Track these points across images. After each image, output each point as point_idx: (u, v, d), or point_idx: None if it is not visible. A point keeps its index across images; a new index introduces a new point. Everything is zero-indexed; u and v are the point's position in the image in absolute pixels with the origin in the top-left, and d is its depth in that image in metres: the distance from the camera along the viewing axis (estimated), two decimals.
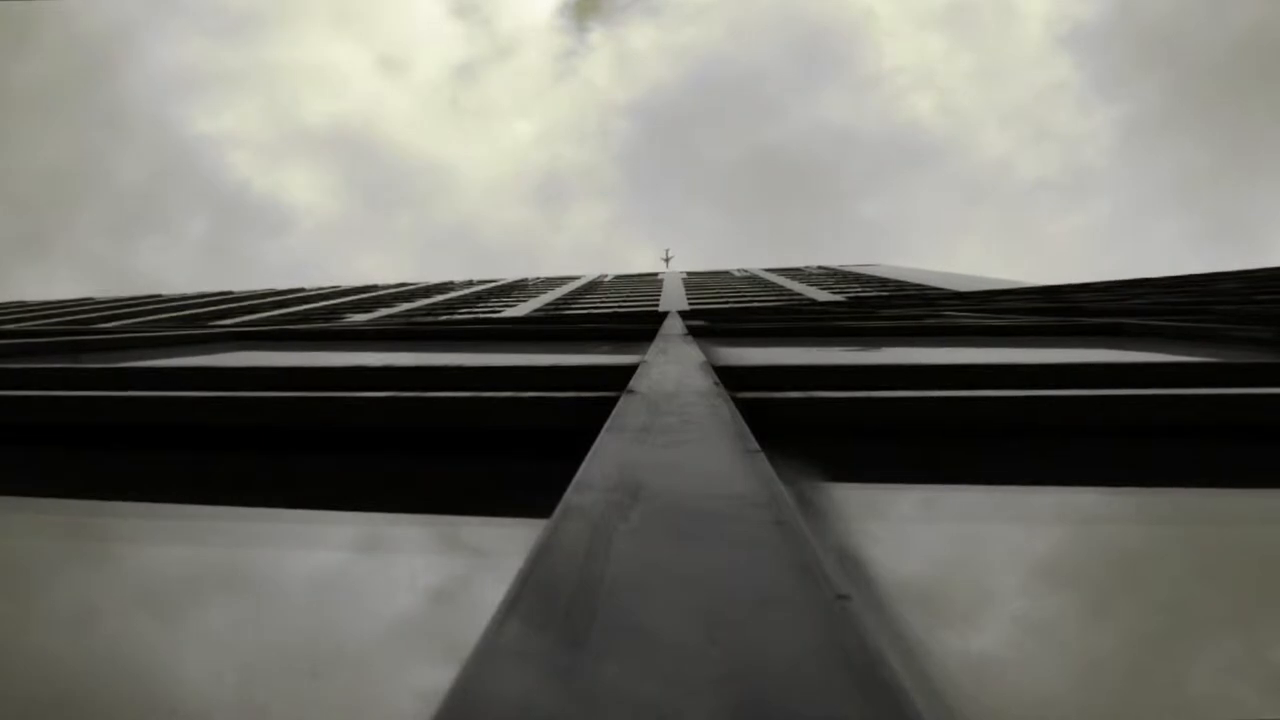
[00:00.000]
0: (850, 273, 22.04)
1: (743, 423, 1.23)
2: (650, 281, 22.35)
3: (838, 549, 1.02)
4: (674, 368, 2.02)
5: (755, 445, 1.06)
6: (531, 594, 0.61)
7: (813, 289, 16.07)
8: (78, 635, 0.97)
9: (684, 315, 5.96)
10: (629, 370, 1.96)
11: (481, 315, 12.17)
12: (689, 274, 26.78)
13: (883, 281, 17.73)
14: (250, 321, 10.41)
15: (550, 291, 18.60)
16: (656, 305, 12.60)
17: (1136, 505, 1.34)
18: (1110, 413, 1.58)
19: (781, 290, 16.11)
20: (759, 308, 8.50)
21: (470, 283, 24.01)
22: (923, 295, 10.94)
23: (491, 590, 0.68)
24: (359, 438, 1.62)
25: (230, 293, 21.82)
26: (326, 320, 10.84)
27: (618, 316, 7.06)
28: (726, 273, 26.38)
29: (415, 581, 1.10)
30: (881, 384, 1.91)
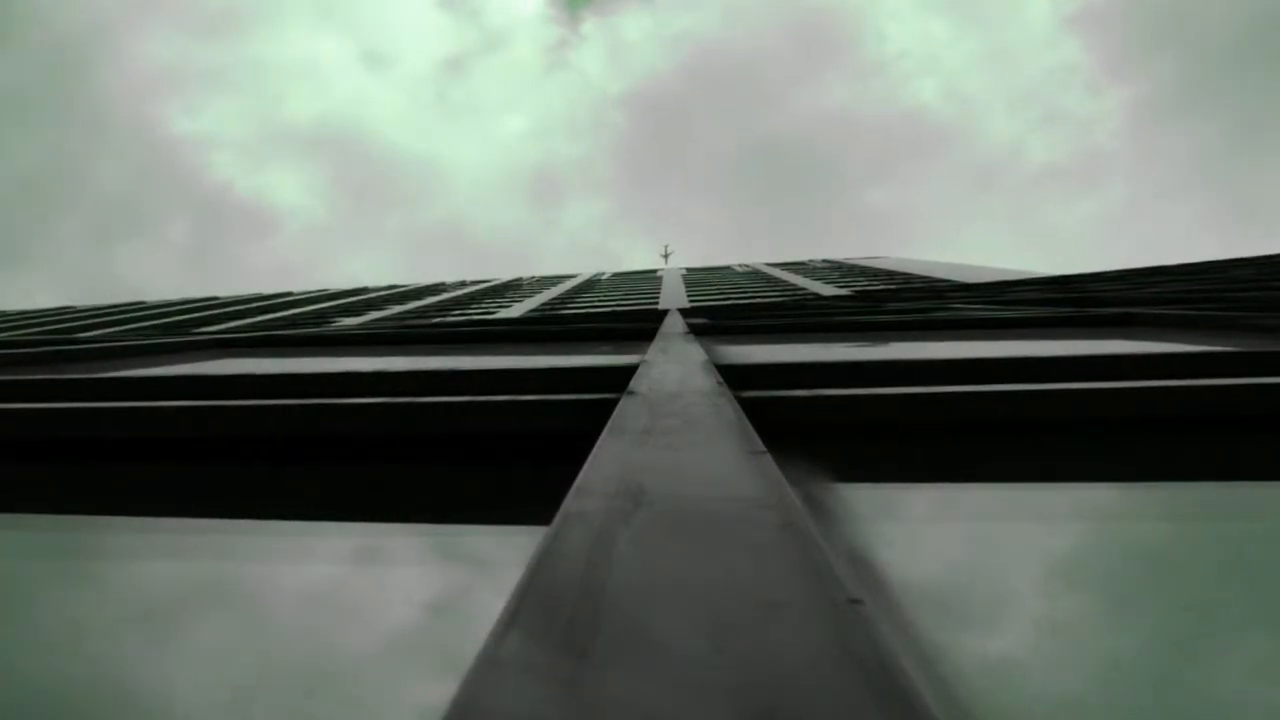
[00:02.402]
0: (856, 265, 22.05)
1: (747, 423, 1.23)
2: (649, 279, 22.36)
3: (848, 551, 1.02)
4: (675, 367, 2.02)
5: (761, 446, 1.05)
6: (532, 604, 0.60)
7: (817, 283, 16.07)
8: (64, 655, 0.96)
9: (684, 313, 5.97)
10: (629, 371, 1.97)
11: (475, 317, 12.18)
12: (689, 270, 26.80)
13: (889, 274, 17.73)
14: (236, 328, 10.41)
15: (546, 291, 18.61)
16: (656, 303, 12.60)
17: (1156, 501, 1.34)
18: (1126, 406, 1.58)
19: (785, 285, 16.11)
20: (762, 304, 8.50)
21: (463, 283, 24.01)
22: (931, 287, 10.94)
23: (491, 600, 0.68)
24: (351, 446, 1.62)
25: (215, 298, 21.82)
26: (315, 325, 10.84)
27: (616, 315, 7.07)
28: (728, 268, 26.40)
29: (412, 593, 1.10)
30: (890, 380, 1.91)
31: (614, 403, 1.45)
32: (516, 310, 13.41)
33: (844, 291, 12.77)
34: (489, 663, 0.52)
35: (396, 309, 14.81)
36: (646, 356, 2.38)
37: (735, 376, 1.86)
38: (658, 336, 3.40)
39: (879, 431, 1.59)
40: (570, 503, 0.83)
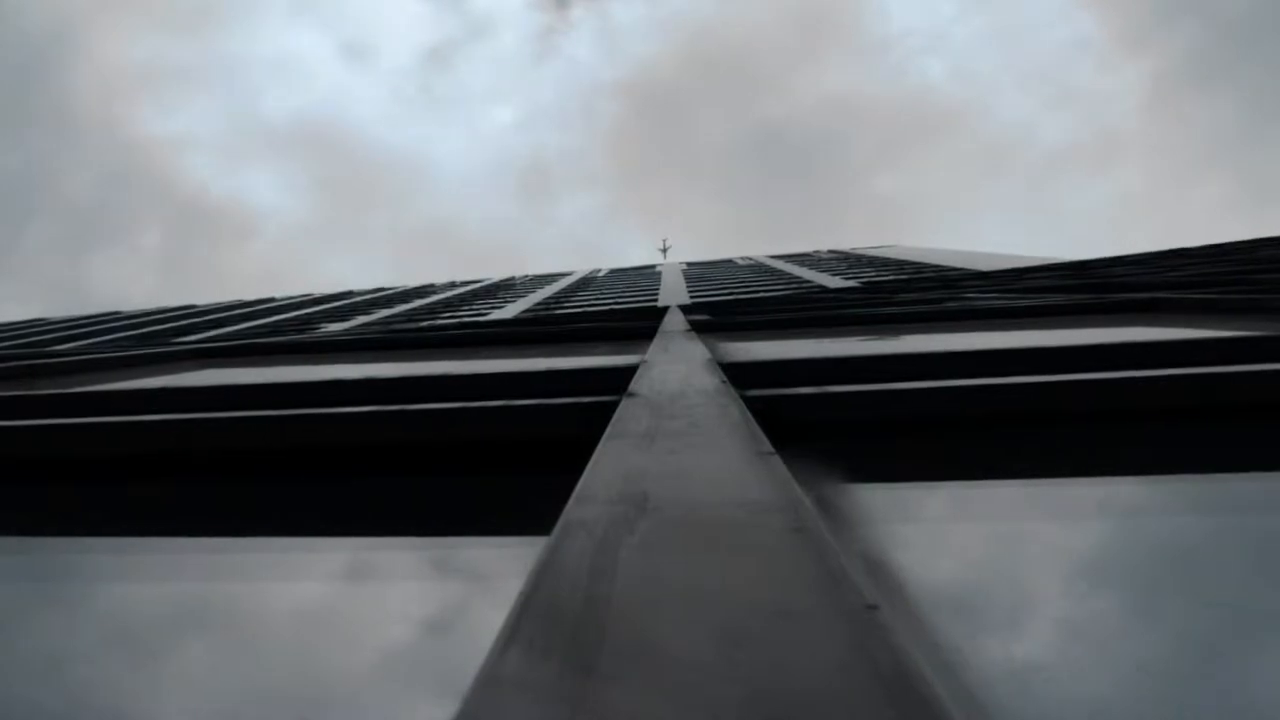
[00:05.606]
0: (864, 256, 22.05)
1: (754, 423, 1.23)
2: (647, 274, 22.36)
3: (863, 555, 1.02)
4: (677, 367, 2.02)
5: (769, 447, 1.06)
6: (534, 618, 0.61)
7: (824, 275, 16.07)
8: (43, 683, 0.97)
9: (685, 309, 5.96)
10: (629, 371, 1.97)
11: (467, 319, 12.18)
12: (689, 265, 26.78)
13: (899, 264, 17.74)
14: (216, 337, 10.41)
15: (540, 290, 18.61)
16: (655, 300, 12.60)
17: (1183, 494, 1.34)
18: (1152, 395, 1.58)
19: (790, 278, 16.11)
20: (767, 298, 8.50)
21: (453, 284, 24.02)
22: (943, 277, 10.94)
23: (490, 615, 0.68)
24: (340, 457, 1.62)
25: (193, 306, 21.82)
26: (299, 331, 10.84)
27: (614, 314, 7.07)
28: (729, 262, 26.38)
29: (408, 609, 1.10)
30: (902, 375, 1.91)
31: (614, 405, 1.45)
32: (510, 311, 13.41)
33: (852, 283, 12.77)
34: (489, 681, 0.52)
35: (384, 313, 14.82)
36: (647, 356, 2.38)
37: (740, 374, 1.86)
38: (658, 335, 3.40)
39: (892, 428, 1.59)
40: (571, 511, 0.83)
